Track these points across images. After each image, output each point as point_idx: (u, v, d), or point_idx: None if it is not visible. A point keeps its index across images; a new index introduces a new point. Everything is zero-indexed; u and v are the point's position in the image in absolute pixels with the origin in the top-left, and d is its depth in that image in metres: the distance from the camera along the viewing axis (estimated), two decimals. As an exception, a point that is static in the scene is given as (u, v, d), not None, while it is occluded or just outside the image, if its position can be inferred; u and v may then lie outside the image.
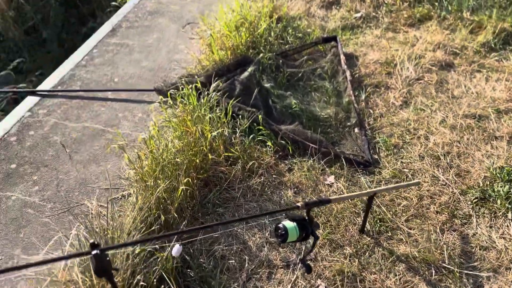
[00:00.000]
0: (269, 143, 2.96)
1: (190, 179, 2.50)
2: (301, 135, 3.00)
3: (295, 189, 2.70)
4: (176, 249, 1.67)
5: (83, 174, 2.72)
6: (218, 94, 3.16)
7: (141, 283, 1.93)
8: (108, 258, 1.38)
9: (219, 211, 2.52)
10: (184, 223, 2.34)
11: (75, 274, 1.87)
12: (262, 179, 2.71)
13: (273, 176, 2.78)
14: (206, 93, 3.05)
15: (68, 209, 2.47)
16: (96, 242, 1.38)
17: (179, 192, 2.33)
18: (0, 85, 5.47)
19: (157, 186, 2.34)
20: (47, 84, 3.54)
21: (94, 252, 1.33)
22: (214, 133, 2.69)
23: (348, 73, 3.56)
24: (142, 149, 2.52)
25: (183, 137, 2.63)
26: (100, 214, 2.34)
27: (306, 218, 1.88)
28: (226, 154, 2.74)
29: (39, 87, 3.49)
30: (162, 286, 1.99)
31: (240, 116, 3.08)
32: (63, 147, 2.84)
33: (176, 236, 2.20)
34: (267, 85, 3.43)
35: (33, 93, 3.39)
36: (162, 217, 2.26)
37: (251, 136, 2.95)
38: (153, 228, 2.20)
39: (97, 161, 2.83)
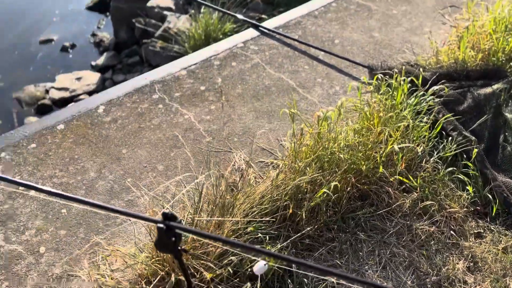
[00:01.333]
0: (469, 189, 2.23)
1: (344, 183, 2.08)
2: (520, 200, 2.14)
3: (471, 264, 1.98)
4: (258, 266, 1.35)
5: (246, 123, 2.60)
6: (437, 100, 2.51)
7: (229, 268, 1.72)
8: (173, 238, 1.17)
9: (360, 237, 2.05)
10: (310, 228, 1.99)
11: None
12: (433, 228, 2.07)
13: (451, 231, 2.09)
14: (421, 93, 2.45)
15: (218, 151, 2.41)
16: (170, 214, 1.17)
17: (321, 192, 1.96)
18: (248, 10, 5.88)
19: (304, 173, 2.02)
20: (272, 23, 3.49)
21: (159, 225, 1.14)
22: (401, 146, 2.14)
23: None
24: (312, 126, 2.20)
25: (362, 133, 2.18)
26: (237, 171, 2.19)
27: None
28: (402, 178, 2.17)
29: (264, 23, 3.47)
30: (249, 284, 1.74)
31: (450, 138, 2.40)
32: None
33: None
34: (509, 115, 2.55)
35: (256, 27, 3.40)
36: (290, 209, 1.95)
37: (450, 169, 2.26)
38: (276, 214, 1.93)
39: (271, 117, 2.66)
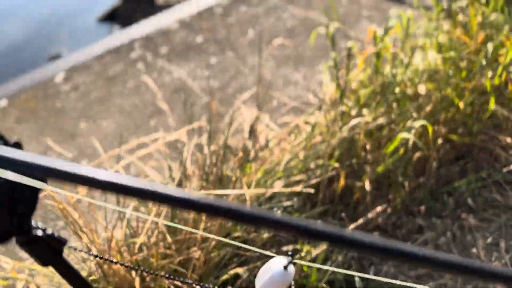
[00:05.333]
0: None
1: (431, 136, 1.27)
2: None
3: None
4: (274, 268, 0.53)
5: (271, 75, 1.85)
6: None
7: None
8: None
9: (467, 222, 1.22)
10: (379, 211, 1.18)
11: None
12: None
13: None
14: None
15: (221, 114, 1.65)
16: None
17: (397, 140, 1.15)
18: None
19: (358, 115, 1.23)
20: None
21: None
22: None
23: None
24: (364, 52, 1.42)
25: (453, 47, 1.36)
26: (251, 136, 1.42)
27: None
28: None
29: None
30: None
31: None
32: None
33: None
34: None
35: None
36: (341, 180, 1.16)
37: None
38: (314, 190, 1.14)
39: (298, 64, 1.90)
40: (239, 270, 0.97)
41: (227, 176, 1.13)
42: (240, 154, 1.15)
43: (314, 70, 1.82)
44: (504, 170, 1.30)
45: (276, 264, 0.44)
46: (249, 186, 1.09)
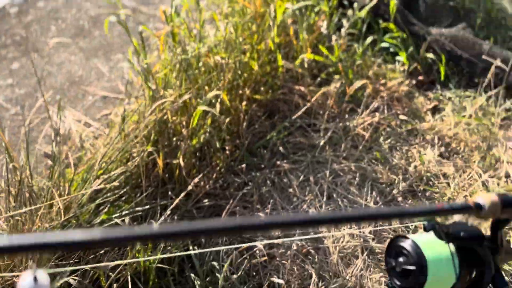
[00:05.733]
0: (402, 56, 1.67)
1: (236, 100, 1.38)
2: (467, 47, 1.64)
3: (443, 148, 1.42)
4: (24, 284, 0.54)
5: (81, 69, 1.78)
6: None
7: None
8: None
9: (282, 168, 1.38)
10: (203, 180, 1.27)
11: None
12: (376, 118, 1.48)
13: (400, 116, 1.52)
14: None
15: (31, 123, 1.54)
16: None
17: (198, 112, 1.23)
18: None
19: (164, 96, 1.27)
20: None
21: None
22: (294, 8, 1.47)
23: None
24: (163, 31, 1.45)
25: (239, 13, 1.47)
26: (70, 135, 1.38)
27: (487, 238, 0.65)
28: (312, 57, 1.54)
29: None
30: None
31: (354, 4, 1.80)
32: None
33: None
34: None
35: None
36: (160, 162, 1.20)
37: (369, 39, 1.67)
38: (137, 179, 1.17)
39: (109, 53, 1.85)
40: (72, 282, 0.97)
41: (42, 188, 1.09)
42: (49, 163, 1.12)
43: (124, 58, 1.81)
44: (305, 116, 1.49)
45: (25, 280, 0.46)
46: (65, 193, 1.07)
